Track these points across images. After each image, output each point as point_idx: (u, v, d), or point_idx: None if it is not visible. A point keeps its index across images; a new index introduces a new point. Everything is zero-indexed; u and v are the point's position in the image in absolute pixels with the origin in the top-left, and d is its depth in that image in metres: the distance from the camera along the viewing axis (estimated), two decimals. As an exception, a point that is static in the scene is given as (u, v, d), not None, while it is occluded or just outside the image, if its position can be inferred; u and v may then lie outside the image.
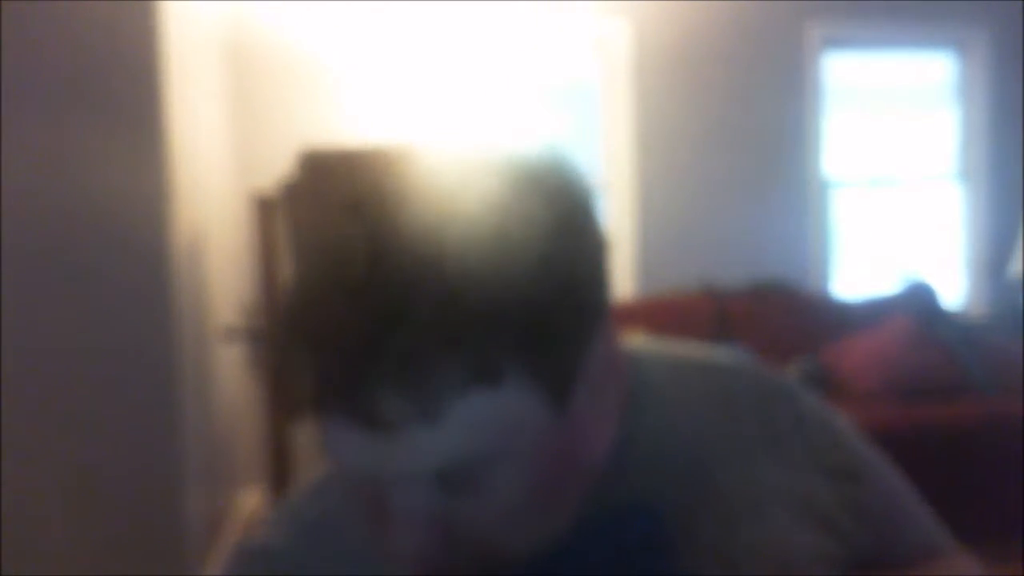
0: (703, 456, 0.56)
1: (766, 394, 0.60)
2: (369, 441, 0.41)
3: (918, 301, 3.22)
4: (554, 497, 0.48)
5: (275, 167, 2.50)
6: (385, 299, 0.39)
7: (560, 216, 0.44)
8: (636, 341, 0.62)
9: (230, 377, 2.82)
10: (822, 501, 0.57)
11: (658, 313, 3.15)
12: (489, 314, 0.39)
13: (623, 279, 3.49)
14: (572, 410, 0.46)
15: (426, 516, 0.44)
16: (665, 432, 0.57)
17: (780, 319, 3.21)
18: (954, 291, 3.81)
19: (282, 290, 0.41)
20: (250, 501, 3.08)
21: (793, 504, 0.56)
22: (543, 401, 0.43)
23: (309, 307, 0.41)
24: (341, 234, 0.42)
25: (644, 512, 0.53)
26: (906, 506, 0.63)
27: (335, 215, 0.43)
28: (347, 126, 3.14)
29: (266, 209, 2.19)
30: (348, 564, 0.55)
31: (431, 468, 0.42)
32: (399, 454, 0.41)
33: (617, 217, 3.50)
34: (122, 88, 1.98)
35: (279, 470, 2.15)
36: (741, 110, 3.55)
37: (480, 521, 0.45)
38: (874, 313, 3.16)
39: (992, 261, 3.75)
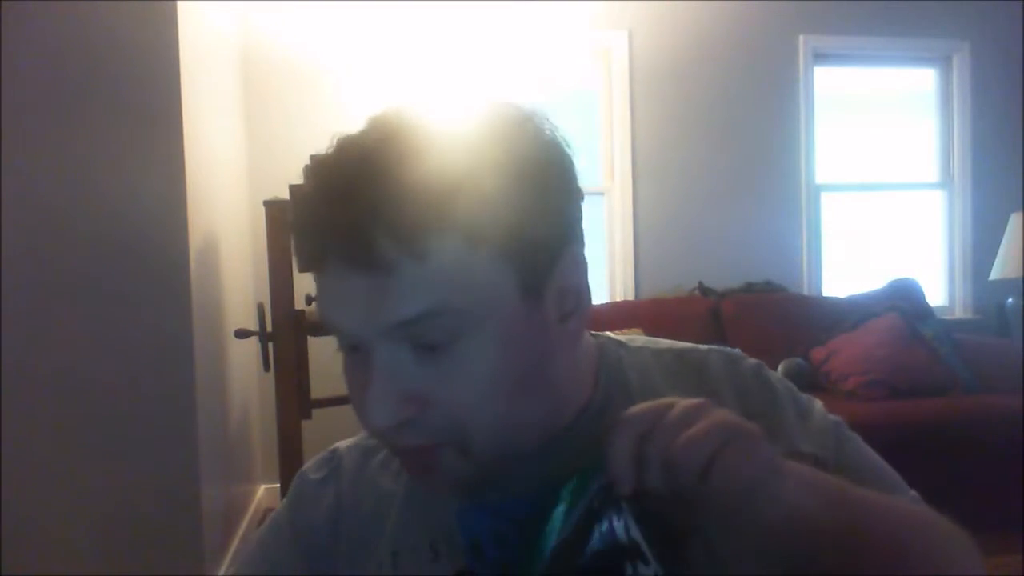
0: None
1: (741, 373, 0.63)
2: (363, 286, 0.48)
3: (903, 300, 3.31)
4: (521, 393, 0.52)
5: (285, 173, 2.55)
6: (382, 168, 0.48)
7: (538, 147, 0.53)
8: (633, 338, 0.66)
9: (243, 376, 2.88)
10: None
11: (654, 313, 3.20)
12: (473, 189, 0.48)
13: (621, 280, 3.57)
14: (544, 315, 0.52)
15: (402, 380, 0.49)
16: (642, 400, 0.59)
17: (772, 319, 3.27)
18: (938, 292, 3.91)
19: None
20: (264, 498, 3.14)
21: None
22: (515, 284, 0.50)
23: (318, 178, 0.50)
24: (346, 139, 0.52)
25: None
26: (879, 471, 0.64)
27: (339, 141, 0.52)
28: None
29: (276, 213, 2.24)
30: (358, 536, 0.61)
31: (414, 312, 0.48)
32: (387, 298, 0.48)
33: (615, 221, 3.57)
34: (139, 94, 2.00)
35: (291, 467, 2.20)
36: (735, 118, 3.64)
37: (450, 395, 0.50)
38: (862, 312, 3.22)
39: (974, 264, 3.86)
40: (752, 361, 0.65)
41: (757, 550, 0.49)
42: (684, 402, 0.47)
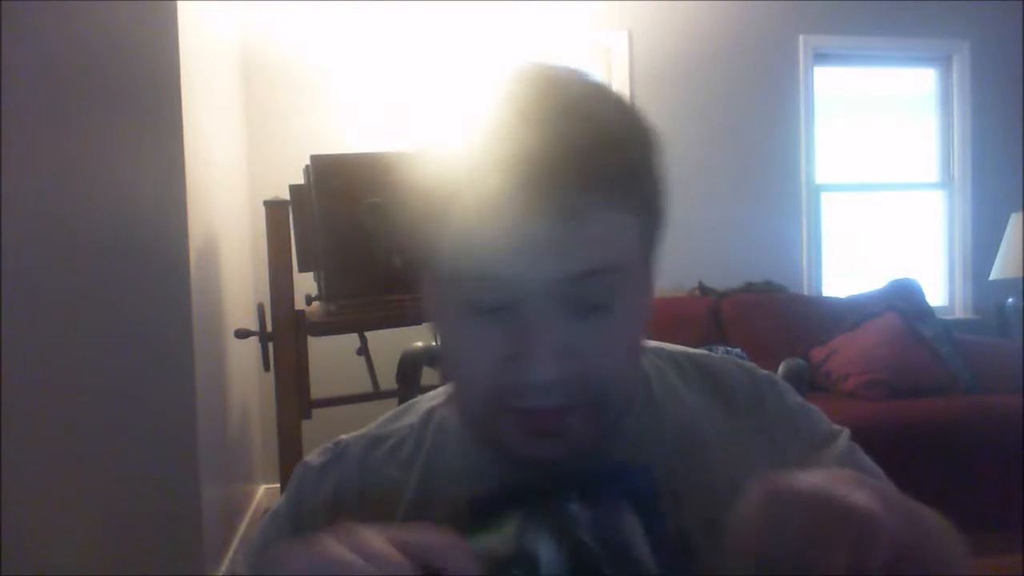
0: (698, 435, 0.60)
1: (756, 385, 0.64)
2: (546, 234, 0.46)
3: (903, 300, 3.31)
4: (636, 355, 0.55)
5: (285, 173, 2.56)
6: (582, 115, 0.48)
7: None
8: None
9: (243, 376, 2.88)
10: None
11: (655, 313, 3.21)
12: (645, 150, 0.51)
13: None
14: (647, 284, 0.55)
15: (561, 340, 0.48)
16: (667, 406, 0.61)
17: (772, 319, 3.28)
18: (938, 292, 3.91)
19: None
20: (264, 498, 3.14)
21: None
22: (648, 249, 0.53)
23: (494, 115, 0.50)
24: (508, 83, 0.53)
25: (641, 471, 0.54)
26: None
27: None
28: (352, 135, 3.20)
29: (276, 213, 2.24)
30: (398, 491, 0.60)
31: (596, 264, 0.48)
32: (574, 246, 0.47)
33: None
34: (139, 94, 2.01)
35: (291, 467, 2.20)
36: (736, 118, 3.64)
37: (606, 347, 0.50)
38: (862, 312, 3.22)
39: (974, 264, 3.86)
40: (764, 372, 0.66)
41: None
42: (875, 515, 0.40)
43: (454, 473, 0.60)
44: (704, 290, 3.47)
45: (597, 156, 0.47)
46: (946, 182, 3.95)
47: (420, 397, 0.68)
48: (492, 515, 0.48)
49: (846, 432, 0.66)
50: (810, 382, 2.96)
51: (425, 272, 0.55)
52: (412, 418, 0.65)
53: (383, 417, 0.67)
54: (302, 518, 0.62)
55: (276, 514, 0.64)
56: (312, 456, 0.66)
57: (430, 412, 0.65)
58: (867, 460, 0.66)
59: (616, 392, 0.53)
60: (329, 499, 0.62)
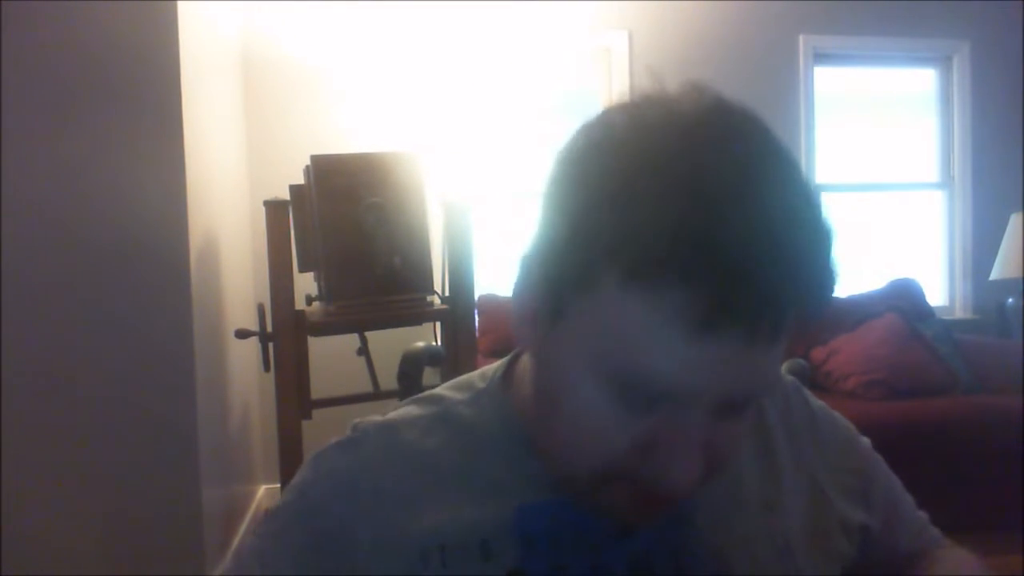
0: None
1: (784, 392, 0.64)
2: (741, 355, 0.43)
3: (904, 300, 3.31)
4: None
5: (285, 174, 2.56)
6: (813, 242, 0.44)
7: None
8: None
9: (243, 376, 2.88)
10: (831, 495, 0.61)
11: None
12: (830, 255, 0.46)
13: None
14: None
15: (704, 442, 0.46)
16: None
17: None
18: (938, 292, 3.91)
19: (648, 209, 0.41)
20: (264, 499, 3.14)
21: (805, 497, 0.60)
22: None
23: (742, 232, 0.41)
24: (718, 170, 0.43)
25: None
26: (902, 496, 0.68)
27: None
28: (353, 135, 3.20)
29: (276, 213, 2.24)
30: (384, 516, 0.55)
31: (771, 384, 0.46)
32: (763, 368, 0.44)
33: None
34: (140, 94, 2.00)
35: (291, 468, 2.20)
36: (735, 118, 3.63)
37: (737, 442, 0.50)
38: (862, 312, 3.22)
39: (974, 263, 3.86)
40: (790, 378, 0.66)
41: None
42: None
43: (495, 472, 0.57)
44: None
45: (814, 278, 0.44)
46: (946, 182, 3.95)
47: (429, 392, 0.64)
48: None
49: (868, 441, 0.67)
50: (811, 382, 2.96)
51: (550, 308, 0.49)
52: (435, 407, 0.61)
53: (401, 408, 0.63)
54: (312, 505, 0.57)
55: (292, 492, 0.59)
56: (328, 442, 0.62)
57: (451, 407, 0.61)
58: (886, 469, 0.67)
59: (724, 474, 0.52)
60: (346, 483, 0.57)
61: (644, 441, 0.46)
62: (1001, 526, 2.39)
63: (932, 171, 3.97)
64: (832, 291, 0.45)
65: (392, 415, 0.62)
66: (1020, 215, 3.56)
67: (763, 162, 0.44)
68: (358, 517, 0.55)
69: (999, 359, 3.05)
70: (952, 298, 3.93)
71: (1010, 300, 3.62)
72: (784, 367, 2.77)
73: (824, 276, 0.44)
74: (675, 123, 0.45)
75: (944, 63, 3.91)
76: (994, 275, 3.65)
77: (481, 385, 0.62)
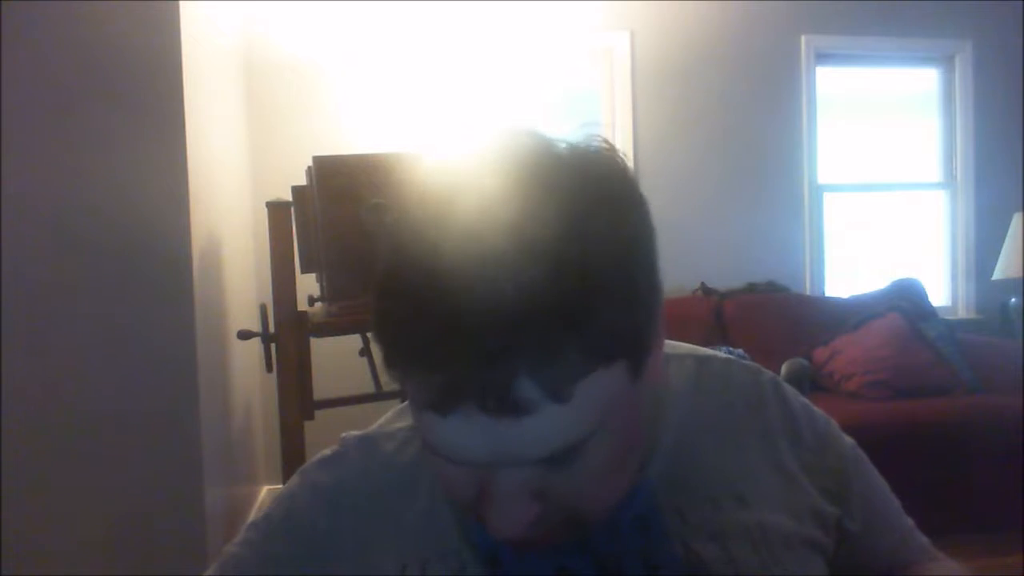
0: (702, 439, 0.60)
1: (761, 386, 0.64)
2: (493, 428, 0.42)
3: (906, 300, 3.30)
4: (626, 462, 0.51)
5: (287, 174, 2.56)
6: (512, 297, 0.39)
7: (632, 201, 0.48)
8: None
9: (246, 377, 2.88)
10: (806, 490, 0.60)
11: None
12: (604, 301, 0.42)
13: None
14: (641, 379, 0.48)
15: (529, 493, 0.46)
16: (677, 416, 0.60)
17: (774, 320, 3.27)
18: (941, 292, 3.90)
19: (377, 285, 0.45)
20: (266, 499, 3.14)
21: (778, 491, 0.59)
22: (629, 373, 0.46)
23: (434, 303, 0.41)
24: (439, 236, 0.42)
25: (641, 490, 0.56)
26: (885, 500, 0.67)
27: (421, 214, 0.44)
28: (355, 136, 3.21)
29: (279, 214, 2.24)
30: (365, 529, 0.57)
31: (550, 450, 0.43)
32: (524, 439, 0.43)
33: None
34: (141, 95, 2.00)
35: (294, 469, 2.20)
36: (738, 118, 3.64)
37: (572, 490, 0.47)
38: (864, 312, 3.21)
39: (977, 263, 3.86)
40: (769, 374, 0.65)
41: None
42: None
43: None
44: (706, 291, 3.46)
45: (557, 342, 0.40)
46: (949, 182, 3.94)
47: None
48: None
49: (852, 442, 0.66)
50: (813, 382, 2.96)
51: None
52: (410, 419, 0.62)
53: (384, 417, 0.66)
54: (295, 518, 0.59)
55: (265, 519, 0.61)
56: (313, 457, 0.64)
57: None
58: (873, 472, 0.67)
59: (603, 507, 0.50)
60: (329, 497, 0.59)
61: (479, 493, 0.47)
62: (1002, 526, 2.40)
63: (934, 171, 3.96)
64: (588, 330, 0.41)
65: (374, 427, 0.64)
66: (1022, 215, 3.56)
67: (480, 241, 0.41)
68: (340, 531, 0.58)
69: (1002, 359, 3.04)
70: (955, 298, 3.93)
71: (1013, 300, 3.62)
72: (784, 367, 2.75)
73: (552, 327, 0.40)
74: (421, 214, 0.45)
75: (946, 63, 3.91)
76: (996, 275, 3.65)
77: None
